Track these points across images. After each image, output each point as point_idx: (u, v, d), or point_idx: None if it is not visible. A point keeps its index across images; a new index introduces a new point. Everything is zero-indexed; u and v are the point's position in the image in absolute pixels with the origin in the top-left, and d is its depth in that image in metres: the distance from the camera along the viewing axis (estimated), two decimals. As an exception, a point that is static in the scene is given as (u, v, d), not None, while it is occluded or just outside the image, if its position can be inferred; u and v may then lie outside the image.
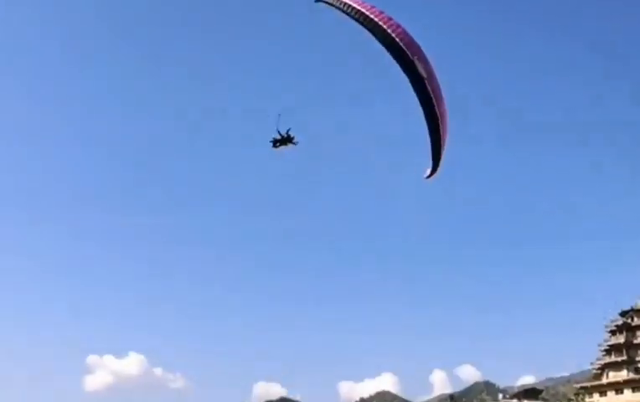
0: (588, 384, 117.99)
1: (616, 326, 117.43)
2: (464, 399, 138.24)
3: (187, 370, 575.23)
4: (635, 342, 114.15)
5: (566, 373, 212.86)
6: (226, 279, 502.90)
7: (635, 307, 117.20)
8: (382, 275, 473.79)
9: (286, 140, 38.39)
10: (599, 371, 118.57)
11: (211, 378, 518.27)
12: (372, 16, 24.46)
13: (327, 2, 25.00)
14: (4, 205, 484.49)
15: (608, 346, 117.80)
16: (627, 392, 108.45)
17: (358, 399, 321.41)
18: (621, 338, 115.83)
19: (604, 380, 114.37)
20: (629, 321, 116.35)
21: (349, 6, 24.81)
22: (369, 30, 24.74)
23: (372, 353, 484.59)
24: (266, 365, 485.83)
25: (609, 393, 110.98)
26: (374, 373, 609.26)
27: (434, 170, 27.87)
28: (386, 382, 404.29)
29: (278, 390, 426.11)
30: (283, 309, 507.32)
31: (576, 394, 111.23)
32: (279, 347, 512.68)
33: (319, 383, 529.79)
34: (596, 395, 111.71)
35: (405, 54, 24.84)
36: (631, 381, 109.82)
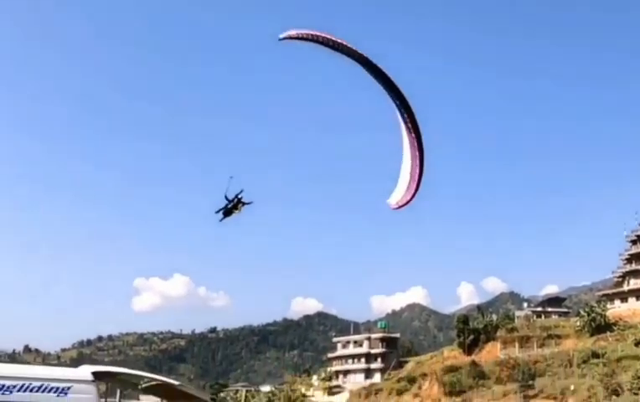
0: (609, 292, 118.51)
1: (637, 236, 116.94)
2: (490, 309, 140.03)
3: (228, 289, 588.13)
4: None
5: (588, 283, 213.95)
6: (264, 196, 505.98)
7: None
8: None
9: (235, 205, 30.69)
10: (620, 279, 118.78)
11: (251, 295, 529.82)
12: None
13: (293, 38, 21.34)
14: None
15: (629, 255, 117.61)
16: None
17: (389, 311, 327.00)
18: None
19: (625, 287, 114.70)
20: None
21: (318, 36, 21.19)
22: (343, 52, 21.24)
23: (402, 269, 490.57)
24: (303, 282, 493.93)
25: (630, 299, 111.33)
26: (405, 287, 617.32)
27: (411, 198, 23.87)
28: (416, 295, 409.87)
29: (315, 305, 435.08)
30: (319, 227, 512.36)
31: (598, 302, 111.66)
32: (315, 265, 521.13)
33: (353, 298, 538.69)
34: (617, 302, 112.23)
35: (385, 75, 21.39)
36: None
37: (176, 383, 19.12)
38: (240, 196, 31.08)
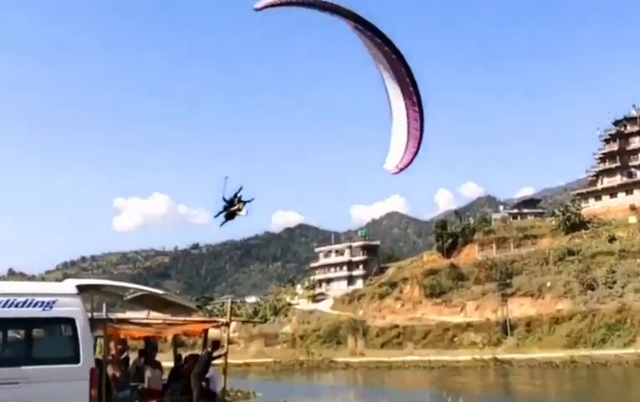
0: (584, 191, 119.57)
1: (610, 135, 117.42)
2: (467, 214, 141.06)
3: (209, 205, 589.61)
4: (628, 148, 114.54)
5: (563, 183, 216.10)
6: (239, 110, 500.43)
7: (628, 116, 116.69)
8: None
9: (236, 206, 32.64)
10: (594, 178, 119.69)
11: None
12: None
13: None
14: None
15: (602, 154, 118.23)
16: (621, 195, 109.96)
17: (369, 220, 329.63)
18: (614, 146, 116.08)
19: (599, 186, 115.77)
20: (622, 129, 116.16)
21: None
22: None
23: (381, 178, 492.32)
24: (284, 195, 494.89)
25: (604, 197, 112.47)
26: (384, 197, 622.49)
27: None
28: (395, 204, 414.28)
29: (295, 217, 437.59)
30: (295, 138, 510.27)
31: (573, 201, 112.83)
32: (295, 177, 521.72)
33: (333, 208, 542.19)
34: (591, 200, 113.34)
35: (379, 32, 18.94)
36: (624, 185, 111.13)
37: (161, 292, 18.56)
38: (239, 195, 33.07)
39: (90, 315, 13.64)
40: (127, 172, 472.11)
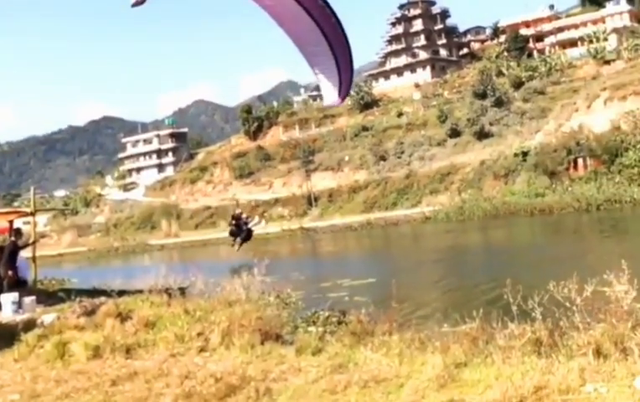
0: (374, 72, 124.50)
1: (396, 18, 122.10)
2: (271, 98, 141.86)
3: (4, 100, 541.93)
4: (411, 30, 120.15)
5: (356, 66, 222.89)
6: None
7: (411, 0, 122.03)
8: None
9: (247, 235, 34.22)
10: (383, 59, 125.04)
11: (31, 105, 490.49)
12: None
13: None
14: None
15: (390, 37, 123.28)
16: (407, 74, 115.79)
17: (176, 109, 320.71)
18: (400, 29, 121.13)
19: (387, 67, 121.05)
20: (406, 12, 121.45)
21: None
22: None
23: (186, 67, 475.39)
24: (84, 87, 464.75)
25: (392, 77, 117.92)
26: (190, 85, 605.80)
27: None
28: (201, 92, 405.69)
29: (100, 109, 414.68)
30: (94, 33, 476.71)
31: (365, 82, 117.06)
32: (95, 69, 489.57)
33: (140, 98, 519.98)
34: (381, 80, 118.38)
35: None
36: (409, 65, 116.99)
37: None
38: (247, 222, 34.26)
39: None
40: None
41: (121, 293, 13.49)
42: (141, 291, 13.75)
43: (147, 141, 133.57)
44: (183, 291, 13.94)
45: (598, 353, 6.96)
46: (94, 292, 15.26)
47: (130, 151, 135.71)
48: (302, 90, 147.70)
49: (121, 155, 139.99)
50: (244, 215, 36.50)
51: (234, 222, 34.74)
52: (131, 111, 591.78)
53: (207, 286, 13.65)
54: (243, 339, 9.38)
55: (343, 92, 12.51)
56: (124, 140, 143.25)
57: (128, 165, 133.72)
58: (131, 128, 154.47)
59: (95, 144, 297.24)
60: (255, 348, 9.04)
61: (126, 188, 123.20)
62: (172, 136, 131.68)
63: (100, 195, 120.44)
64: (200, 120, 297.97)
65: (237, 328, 9.86)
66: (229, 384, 7.29)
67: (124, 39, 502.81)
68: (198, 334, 10.02)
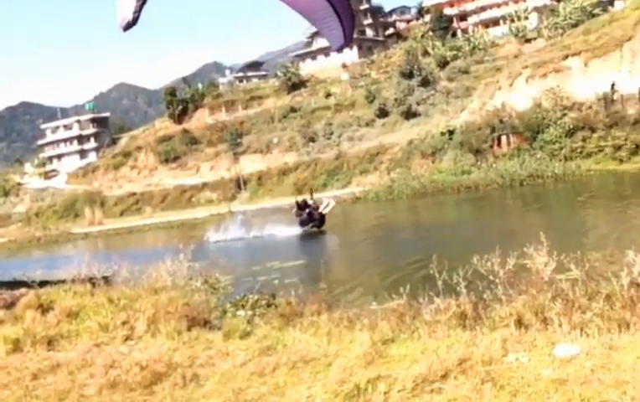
0: (301, 52, 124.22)
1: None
2: (196, 80, 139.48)
3: None
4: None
5: (283, 47, 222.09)
6: None
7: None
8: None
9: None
10: (309, 40, 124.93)
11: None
12: None
13: None
14: None
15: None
16: (333, 54, 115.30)
17: (97, 93, 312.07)
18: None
19: (314, 47, 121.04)
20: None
21: None
22: None
23: (110, 47, 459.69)
24: (2, 71, 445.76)
25: (319, 57, 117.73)
26: (112, 68, 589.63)
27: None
28: (124, 74, 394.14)
29: (19, 95, 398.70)
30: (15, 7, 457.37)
31: (292, 63, 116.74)
32: (14, 49, 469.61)
33: (57, 85, 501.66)
34: (308, 61, 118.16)
35: None
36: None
37: None
38: (317, 207, 33.56)
39: None
40: None
41: (43, 284, 13.12)
42: (63, 281, 13.41)
43: (68, 127, 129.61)
44: (107, 279, 13.69)
45: (520, 323, 7.22)
46: (14, 284, 14.81)
47: (50, 137, 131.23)
48: (228, 72, 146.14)
49: (40, 142, 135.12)
50: (311, 202, 35.09)
51: (303, 212, 33.81)
52: (51, 97, 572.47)
53: (132, 273, 13.44)
54: (169, 326, 9.28)
55: (348, 34, 12.74)
56: (43, 126, 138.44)
57: (48, 152, 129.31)
58: (51, 114, 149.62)
59: (12, 131, 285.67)
60: (181, 335, 8.96)
61: (46, 175, 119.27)
62: (93, 121, 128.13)
63: (19, 184, 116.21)
64: (122, 103, 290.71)
65: (163, 315, 9.75)
66: (155, 372, 7.20)
67: (41, 22, 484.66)
68: (123, 323, 9.85)
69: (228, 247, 33.18)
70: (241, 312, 11.06)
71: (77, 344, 9.31)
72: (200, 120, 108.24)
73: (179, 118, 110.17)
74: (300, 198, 36.15)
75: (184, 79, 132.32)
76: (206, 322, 9.82)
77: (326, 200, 37.72)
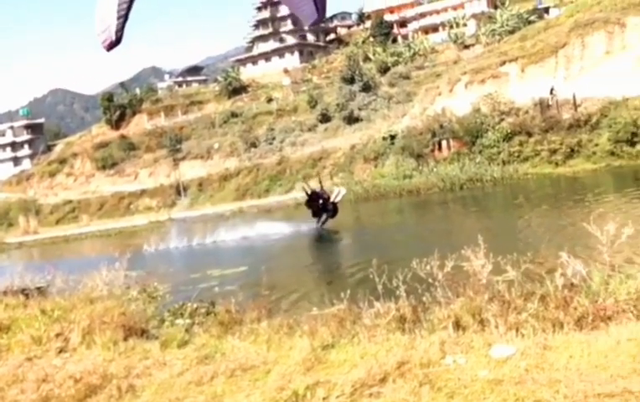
0: (242, 57, 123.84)
1: (262, 2, 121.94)
2: (134, 85, 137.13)
3: None
4: (278, 15, 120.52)
5: (223, 51, 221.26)
6: None
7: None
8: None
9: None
10: (250, 44, 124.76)
11: None
12: None
13: None
14: None
15: (256, 21, 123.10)
16: (275, 59, 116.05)
17: (31, 98, 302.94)
18: (266, 13, 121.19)
19: (255, 52, 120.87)
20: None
21: None
22: None
23: (44, 51, 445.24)
24: None
25: (260, 62, 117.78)
26: (47, 73, 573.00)
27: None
28: (59, 79, 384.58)
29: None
30: None
31: (232, 67, 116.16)
32: None
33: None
34: (249, 66, 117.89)
35: None
36: (277, 50, 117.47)
37: None
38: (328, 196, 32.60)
39: None
40: None
41: (-28, 297, 12.61)
42: (-5, 294, 12.92)
43: (0, 134, 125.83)
44: (41, 290, 13.29)
45: (458, 325, 7.33)
46: (-63, 298, 14.17)
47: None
48: (167, 77, 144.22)
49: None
50: (322, 191, 34.01)
51: (317, 203, 32.71)
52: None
53: (67, 283, 13.09)
54: (105, 337, 9.05)
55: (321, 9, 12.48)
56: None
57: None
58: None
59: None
60: (117, 345, 8.75)
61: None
62: (27, 127, 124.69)
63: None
64: (58, 109, 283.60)
65: (99, 326, 9.51)
66: (89, 384, 7.02)
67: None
68: (57, 335, 9.56)
69: (168, 254, 32.72)
70: (180, 321, 10.89)
71: (8, 359, 8.99)
72: (138, 125, 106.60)
73: (117, 124, 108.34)
74: (308, 189, 34.87)
75: (122, 84, 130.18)
76: (143, 332, 9.62)
77: (336, 189, 37.07)
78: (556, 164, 49.88)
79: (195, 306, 12.38)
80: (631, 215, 19.11)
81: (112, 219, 77.04)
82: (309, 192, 34.18)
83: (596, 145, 48.61)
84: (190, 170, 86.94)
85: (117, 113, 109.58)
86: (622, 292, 7.49)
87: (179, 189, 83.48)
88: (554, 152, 50.63)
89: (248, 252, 30.36)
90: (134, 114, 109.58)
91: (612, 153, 46.87)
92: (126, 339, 8.99)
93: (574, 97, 52.86)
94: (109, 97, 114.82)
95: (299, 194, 64.66)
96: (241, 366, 6.83)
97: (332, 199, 33.61)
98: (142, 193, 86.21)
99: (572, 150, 49.84)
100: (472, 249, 8.76)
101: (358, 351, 6.75)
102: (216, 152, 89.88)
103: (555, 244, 16.10)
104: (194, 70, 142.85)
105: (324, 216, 32.95)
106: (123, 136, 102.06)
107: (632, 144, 45.89)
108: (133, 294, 12.49)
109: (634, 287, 7.56)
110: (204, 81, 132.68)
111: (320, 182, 36.12)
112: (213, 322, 9.57)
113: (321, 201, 33.06)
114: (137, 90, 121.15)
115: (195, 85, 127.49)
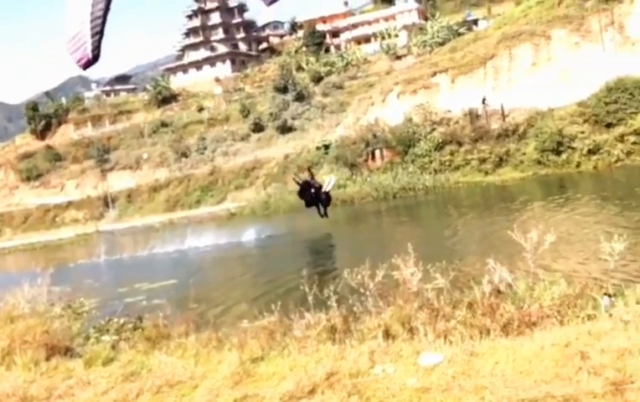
0: (172, 65, 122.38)
1: (193, 11, 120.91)
2: (60, 94, 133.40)
3: None
4: (209, 23, 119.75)
5: (153, 60, 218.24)
6: None
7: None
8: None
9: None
10: (181, 53, 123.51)
11: None
12: None
13: None
14: None
15: (187, 29, 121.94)
16: (206, 67, 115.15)
17: None
18: (197, 22, 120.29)
19: (185, 61, 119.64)
20: (203, 5, 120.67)
21: None
22: None
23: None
24: None
25: (190, 70, 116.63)
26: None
27: None
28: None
29: None
30: None
31: (162, 76, 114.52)
32: None
33: None
34: (180, 74, 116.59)
35: None
36: (208, 58, 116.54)
37: None
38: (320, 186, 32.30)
39: None
40: None
41: None
42: None
43: None
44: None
45: (388, 334, 7.40)
46: None
47: None
48: (95, 86, 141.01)
49: None
50: (313, 181, 33.10)
51: (309, 193, 31.94)
52: None
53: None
54: (26, 357, 8.74)
55: None
56: None
57: None
58: None
59: None
60: (39, 365, 8.46)
61: None
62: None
63: None
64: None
65: (19, 345, 9.17)
66: (7, 408, 6.77)
67: None
68: (-25, 357, 9.18)
69: (95, 267, 31.93)
70: (106, 337, 10.60)
71: None
72: (65, 135, 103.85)
73: (42, 134, 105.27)
74: (299, 180, 34.12)
75: (47, 94, 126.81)
76: (67, 350, 9.33)
77: (327, 178, 36.62)
78: (486, 173, 51.19)
79: (122, 321, 12.07)
80: (553, 222, 19.76)
81: (37, 232, 74.71)
82: (300, 182, 33.88)
83: (524, 154, 50.09)
84: (118, 181, 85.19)
85: (42, 123, 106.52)
86: (547, 298, 7.72)
87: (107, 201, 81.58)
88: (483, 161, 51.95)
89: (178, 264, 29.95)
90: (60, 124, 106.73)
91: (539, 162, 48.37)
92: (48, 359, 8.71)
93: (502, 108, 54.41)
94: (34, 106, 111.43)
95: (231, 205, 64.42)
96: (168, 382, 6.72)
97: (324, 189, 33.43)
98: (69, 205, 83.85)
99: (501, 159, 51.23)
100: (403, 258, 8.86)
101: (287, 363, 6.73)
102: (145, 162, 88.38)
103: (483, 251, 16.49)
104: (123, 79, 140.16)
105: (320, 207, 32.81)
106: (49, 147, 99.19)
107: (558, 153, 47.48)
108: (57, 311, 12.07)
109: (557, 293, 7.81)
110: (133, 90, 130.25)
111: (310, 172, 35.88)
112: (140, 338, 9.37)
113: (313, 190, 32.80)
114: (63, 100, 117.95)
115: (124, 94, 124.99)
